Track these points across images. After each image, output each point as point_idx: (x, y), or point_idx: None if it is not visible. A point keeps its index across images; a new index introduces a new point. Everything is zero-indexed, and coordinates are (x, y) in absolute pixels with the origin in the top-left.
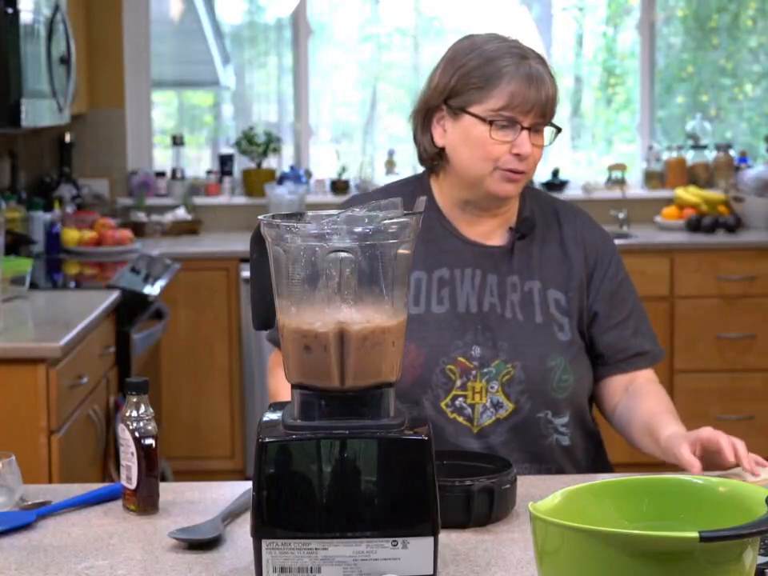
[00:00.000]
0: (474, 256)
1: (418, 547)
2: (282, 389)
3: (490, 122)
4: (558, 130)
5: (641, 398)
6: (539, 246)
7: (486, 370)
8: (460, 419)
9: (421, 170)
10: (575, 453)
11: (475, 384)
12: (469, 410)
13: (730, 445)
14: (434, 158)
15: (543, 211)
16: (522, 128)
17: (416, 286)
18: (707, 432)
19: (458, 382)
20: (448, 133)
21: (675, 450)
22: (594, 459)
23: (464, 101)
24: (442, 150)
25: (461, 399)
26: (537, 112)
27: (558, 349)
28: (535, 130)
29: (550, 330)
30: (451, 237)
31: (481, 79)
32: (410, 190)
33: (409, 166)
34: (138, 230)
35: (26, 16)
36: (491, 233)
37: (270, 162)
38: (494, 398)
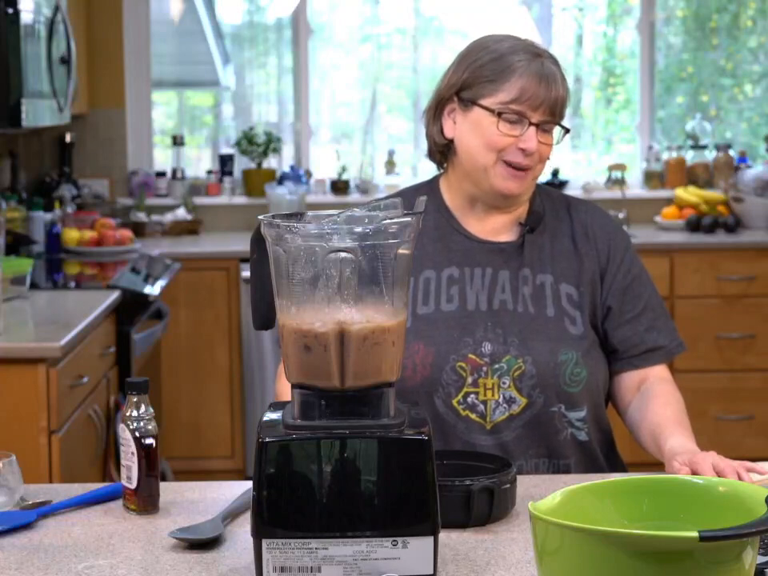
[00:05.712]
0: (485, 253)
1: (418, 547)
2: (286, 392)
3: (499, 114)
4: (567, 130)
5: (649, 401)
6: (550, 240)
7: (497, 366)
8: (473, 416)
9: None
10: (592, 448)
11: (486, 380)
12: (481, 407)
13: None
14: (441, 151)
15: (555, 207)
16: (530, 124)
17: (425, 285)
18: (694, 467)
19: (469, 379)
20: (458, 125)
21: (668, 470)
22: (607, 456)
23: (475, 93)
24: (450, 142)
25: (473, 396)
26: (546, 109)
27: (569, 342)
28: (543, 128)
29: (561, 323)
30: (460, 236)
31: (493, 72)
32: (421, 194)
33: (409, 165)
34: (138, 229)
35: (26, 16)
36: (501, 229)
37: (270, 162)
38: (507, 394)
